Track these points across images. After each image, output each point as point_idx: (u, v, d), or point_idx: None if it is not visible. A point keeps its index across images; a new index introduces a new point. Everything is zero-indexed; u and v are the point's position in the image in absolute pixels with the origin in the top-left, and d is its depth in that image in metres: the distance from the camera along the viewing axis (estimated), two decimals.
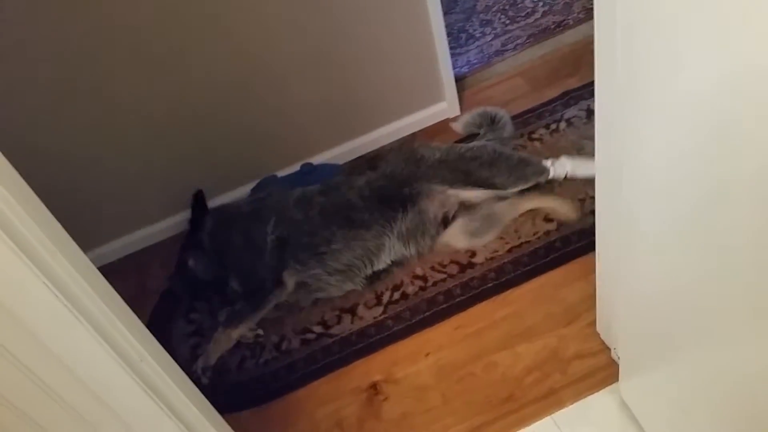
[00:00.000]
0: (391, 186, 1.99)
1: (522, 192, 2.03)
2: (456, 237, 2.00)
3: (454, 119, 2.47)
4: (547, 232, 2.00)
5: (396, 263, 1.98)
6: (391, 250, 1.95)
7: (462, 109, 2.55)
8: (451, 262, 2.00)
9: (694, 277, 1.02)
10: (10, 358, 0.87)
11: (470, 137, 2.36)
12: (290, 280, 1.90)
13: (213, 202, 2.36)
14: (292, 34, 2.12)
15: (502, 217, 2.00)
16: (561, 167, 2.04)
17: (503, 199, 2.01)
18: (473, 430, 1.62)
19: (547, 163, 2.04)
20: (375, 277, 1.97)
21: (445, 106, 2.52)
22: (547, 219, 2.03)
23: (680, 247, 1.03)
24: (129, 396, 1.01)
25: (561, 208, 1.93)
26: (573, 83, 2.49)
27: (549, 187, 2.06)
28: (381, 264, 1.95)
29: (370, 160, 2.35)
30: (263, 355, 1.91)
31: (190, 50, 2.04)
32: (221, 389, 1.85)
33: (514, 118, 2.43)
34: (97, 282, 0.97)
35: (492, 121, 2.29)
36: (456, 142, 2.34)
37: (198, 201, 2.17)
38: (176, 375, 1.15)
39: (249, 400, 1.82)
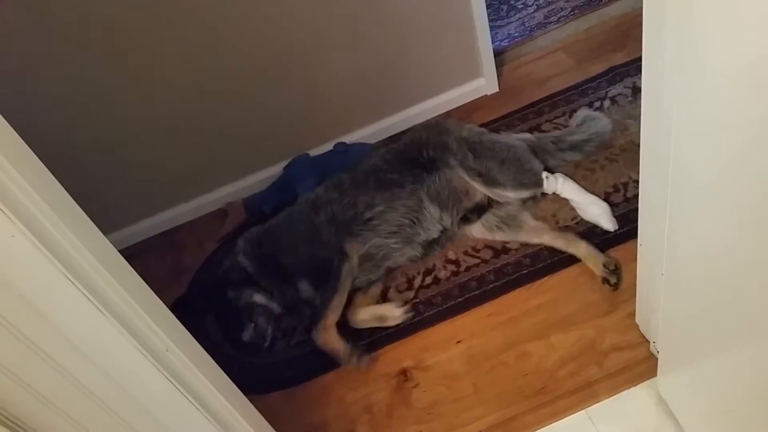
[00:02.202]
0: (411, 150, 1.98)
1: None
2: (472, 228, 1.97)
3: None
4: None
5: (445, 233, 1.95)
6: (429, 211, 1.91)
7: (500, 86, 2.46)
8: (485, 246, 1.95)
9: (741, 269, 0.95)
10: (37, 351, 0.87)
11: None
12: (353, 252, 1.87)
13: (245, 181, 2.35)
14: (325, 10, 2.06)
15: (522, 229, 1.93)
16: (552, 184, 1.95)
17: (532, 212, 1.96)
18: (504, 421, 1.59)
19: (544, 175, 1.95)
20: (430, 246, 1.95)
21: (483, 83, 2.44)
22: None
23: (728, 236, 0.96)
24: (154, 387, 1.01)
25: (588, 257, 1.82)
26: (619, 58, 2.38)
27: (579, 232, 1.90)
28: (432, 229, 1.92)
29: (389, 141, 2.32)
30: (294, 337, 1.91)
31: (222, 26, 2.00)
32: (252, 370, 1.86)
33: (555, 95, 2.34)
34: (121, 272, 0.96)
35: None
36: (491, 125, 2.25)
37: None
38: (204, 364, 1.15)
39: (279, 382, 1.82)
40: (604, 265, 1.75)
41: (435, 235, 1.93)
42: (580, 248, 1.82)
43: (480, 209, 1.94)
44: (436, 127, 2.06)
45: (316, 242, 1.86)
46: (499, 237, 1.95)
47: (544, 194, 1.99)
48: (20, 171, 0.76)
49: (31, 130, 0.94)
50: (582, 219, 1.92)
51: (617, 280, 1.73)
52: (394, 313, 1.83)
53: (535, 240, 1.91)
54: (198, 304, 1.93)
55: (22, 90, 1.92)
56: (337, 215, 1.89)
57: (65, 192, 0.87)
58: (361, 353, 1.77)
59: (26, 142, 0.82)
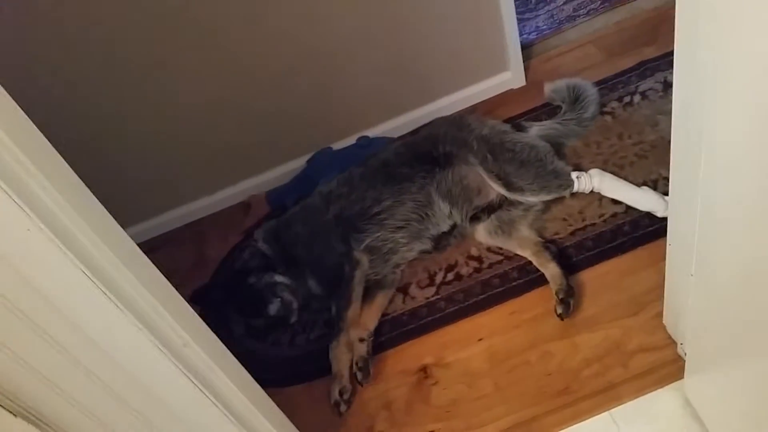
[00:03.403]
0: (427, 144, 1.95)
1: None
2: (478, 229, 1.94)
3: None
4: (615, 215, 1.89)
5: (456, 228, 1.92)
6: (439, 206, 1.88)
7: (527, 80, 2.41)
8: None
9: None
10: (55, 346, 0.87)
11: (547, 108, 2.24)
12: (363, 258, 1.85)
13: (269, 174, 2.36)
14: (348, 4, 2.04)
15: (511, 237, 1.89)
16: (586, 182, 1.90)
17: (533, 217, 1.92)
18: (525, 422, 1.56)
19: (574, 175, 1.90)
20: (441, 240, 1.92)
21: (509, 77, 2.40)
22: (616, 201, 1.90)
23: (763, 238, 0.92)
24: (172, 382, 1.01)
25: (551, 279, 1.76)
26: (650, 53, 2.31)
27: (553, 253, 1.82)
28: (441, 224, 1.90)
29: (411, 134, 2.28)
30: (314, 331, 1.91)
31: (245, 24, 2.00)
32: (272, 363, 1.86)
33: None
34: (139, 266, 0.95)
35: (575, 101, 2.13)
36: (517, 119, 2.21)
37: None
38: (222, 359, 1.15)
39: (299, 375, 1.82)
40: (556, 293, 1.70)
41: (445, 228, 1.90)
42: (549, 269, 1.77)
43: (491, 209, 1.91)
44: (456, 121, 2.02)
45: (326, 241, 1.85)
46: (497, 243, 1.91)
47: (573, 194, 1.93)
48: (37, 165, 0.76)
49: (49, 123, 0.94)
50: (609, 217, 1.88)
51: (563, 312, 1.67)
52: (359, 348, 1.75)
53: (519, 251, 1.87)
54: (218, 296, 1.93)
55: (37, 79, 1.93)
56: (345, 210, 1.88)
57: (83, 185, 0.87)
58: (348, 399, 1.69)
59: (45, 135, 0.82)
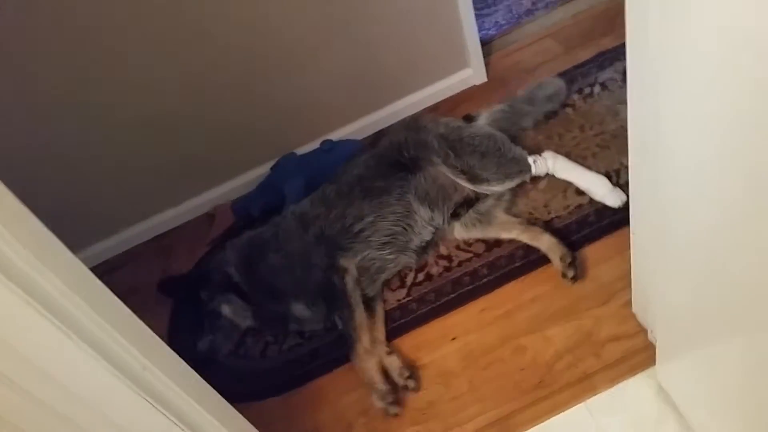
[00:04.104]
0: (392, 152, 1.93)
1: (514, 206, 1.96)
2: (456, 226, 1.94)
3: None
4: (580, 206, 1.90)
5: (437, 233, 1.90)
6: (419, 214, 1.87)
7: (488, 75, 2.42)
8: (477, 240, 1.91)
9: (735, 254, 0.92)
10: (3, 380, 0.83)
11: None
12: (349, 265, 1.80)
13: (233, 183, 2.32)
14: (306, 8, 2.02)
15: (492, 224, 1.90)
16: (542, 165, 1.93)
17: (505, 204, 1.93)
18: (502, 418, 1.56)
19: (530, 159, 1.92)
20: (424, 250, 1.91)
21: (471, 73, 2.40)
22: (580, 192, 1.91)
23: (719, 220, 0.93)
24: (131, 407, 0.97)
25: (550, 249, 1.78)
26: (607, 43, 2.33)
27: (541, 224, 1.87)
28: (423, 233, 1.88)
29: (374, 138, 2.27)
30: (287, 342, 1.88)
31: (204, 26, 1.96)
32: (244, 377, 1.83)
33: None
34: (90, 292, 0.92)
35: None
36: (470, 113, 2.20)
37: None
38: (184, 379, 1.11)
39: (272, 387, 1.79)
40: (561, 259, 1.72)
41: (428, 237, 1.88)
42: (543, 241, 1.79)
43: (469, 203, 1.90)
44: (413, 125, 2.00)
45: (308, 263, 1.80)
46: (476, 235, 1.91)
47: (535, 178, 1.95)
48: None
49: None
50: (574, 208, 1.89)
51: (575, 273, 1.70)
52: (395, 377, 1.68)
53: (504, 235, 1.87)
54: (176, 291, 1.91)
55: None
56: (326, 230, 1.83)
57: (22, 208, 0.83)
58: (393, 399, 1.64)
59: None
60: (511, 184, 1.91)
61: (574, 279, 1.71)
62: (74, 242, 2.39)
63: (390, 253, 1.84)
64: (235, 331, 1.90)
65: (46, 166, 2.04)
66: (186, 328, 1.91)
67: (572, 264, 1.71)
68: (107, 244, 2.30)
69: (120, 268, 2.27)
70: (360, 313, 1.75)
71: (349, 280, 1.77)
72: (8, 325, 0.80)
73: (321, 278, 1.78)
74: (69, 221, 2.11)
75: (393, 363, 1.70)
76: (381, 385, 1.65)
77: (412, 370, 1.69)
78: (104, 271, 2.23)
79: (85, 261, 2.33)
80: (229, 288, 1.86)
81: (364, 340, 1.71)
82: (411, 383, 1.66)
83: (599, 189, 1.86)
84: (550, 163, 1.93)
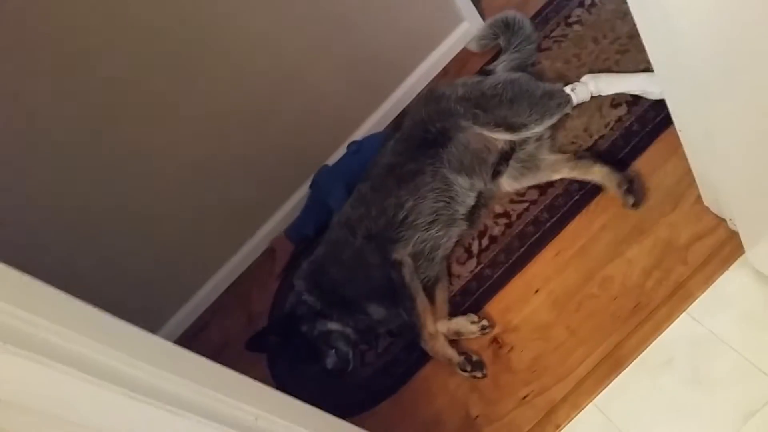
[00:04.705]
0: (417, 132, 1.90)
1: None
2: (503, 182, 1.91)
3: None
4: (619, 119, 1.84)
5: (482, 196, 1.88)
6: (458, 184, 1.84)
7: (486, 20, 2.36)
8: (528, 188, 1.88)
9: None
10: None
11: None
12: (403, 256, 1.80)
13: (281, 212, 2.36)
14: (297, 17, 2.01)
15: (540, 168, 1.86)
16: (583, 90, 1.85)
17: (548, 143, 1.88)
18: (610, 353, 1.54)
19: (568, 89, 1.85)
20: (473, 215, 1.89)
21: (468, 26, 2.34)
22: (615, 104, 1.85)
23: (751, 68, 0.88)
24: None
25: (605, 180, 1.74)
26: None
27: (591, 155, 1.82)
28: (467, 200, 1.86)
29: (397, 121, 2.24)
30: (380, 344, 1.91)
31: (209, 63, 1.93)
32: (352, 390, 1.87)
33: (543, 8, 2.22)
34: (182, 364, 0.96)
35: (507, 27, 2.09)
36: (484, 67, 2.17)
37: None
38: (299, 415, 1.15)
39: (381, 392, 1.82)
40: (618, 186, 1.68)
41: (472, 202, 1.86)
42: (596, 173, 1.75)
43: (506, 157, 1.87)
44: (430, 97, 1.97)
45: (366, 265, 1.82)
46: (526, 183, 1.88)
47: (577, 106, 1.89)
48: (43, 315, 0.76)
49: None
50: (615, 123, 1.83)
51: (634, 200, 1.66)
52: (470, 329, 1.74)
53: (555, 176, 1.83)
54: (274, 342, 1.94)
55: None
56: (372, 229, 1.83)
57: (93, 310, 0.86)
58: (473, 366, 1.69)
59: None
60: (551, 120, 1.84)
61: (636, 206, 1.66)
62: (157, 317, 2.47)
63: (438, 230, 1.83)
64: (349, 338, 1.90)
65: (107, 254, 2.12)
66: (299, 364, 1.95)
67: (630, 189, 1.67)
68: (186, 310, 2.38)
69: (206, 326, 2.36)
70: (421, 301, 1.76)
71: (406, 272, 1.78)
72: (122, 424, 0.85)
73: (380, 276, 1.80)
74: (146, 300, 2.24)
75: (457, 322, 1.74)
76: (456, 357, 1.70)
77: (502, 332, 1.72)
78: (193, 335, 2.32)
79: (171, 332, 2.39)
80: (317, 315, 1.89)
81: (428, 325, 1.73)
82: (485, 323, 1.72)
83: (653, 86, 1.77)
84: (592, 86, 1.86)
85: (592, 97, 1.88)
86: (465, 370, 1.69)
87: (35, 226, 1.91)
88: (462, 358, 1.70)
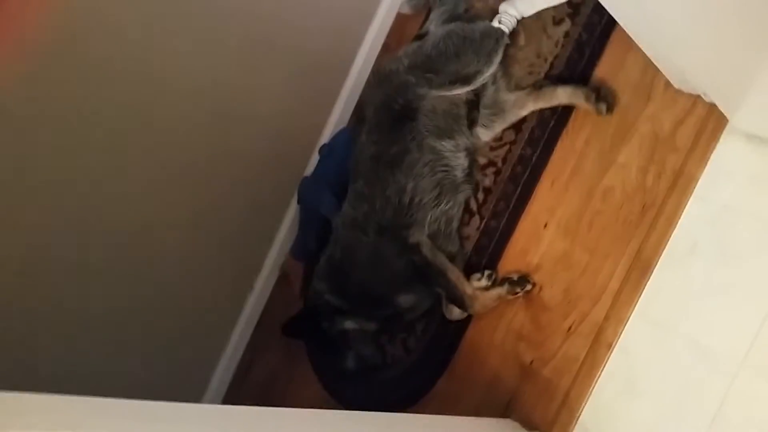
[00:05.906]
0: (383, 115, 1.88)
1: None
2: (479, 133, 1.90)
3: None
4: (567, 33, 1.82)
5: (470, 152, 1.87)
6: (446, 149, 1.83)
7: None
8: (503, 131, 1.88)
9: None
10: None
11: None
12: (420, 238, 1.80)
13: (278, 239, 2.36)
14: (227, 65, 1.98)
15: (506, 110, 1.85)
16: (508, 18, 1.83)
17: (504, 82, 1.88)
18: (634, 259, 1.55)
19: (495, 23, 1.83)
20: (471, 174, 1.88)
21: None
22: (557, 21, 1.84)
23: None
24: None
25: (572, 98, 1.73)
26: None
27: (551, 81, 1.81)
28: (461, 161, 1.85)
29: (357, 112, 2.22)
30: (416, 328, 1.91)
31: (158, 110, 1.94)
32: (407, 381, 1.88)
33: None
34: (237, 421, 0.97)
35: None
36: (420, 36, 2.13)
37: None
38: (359, 423, 1.17)
39: (435, 370, 1.83)
40: (586, 100, 1.68)
41: (466, 162, 1.85)
42: (560, 96, 1.74)
43: (474, 105, 1.86)
44: (380, 78, 1.96)
45: (384, 259, 1.81)
46: (498, 128, 1.87)
47: (513, 36, 1.87)
48: None
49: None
50: (563, 39, 1.81)
51: (608, 104, 1.66)
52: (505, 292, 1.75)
53: (523, 113, 1.83)
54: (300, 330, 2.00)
55: None
56: (382, 222, 1.82)
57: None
58: (517, 280, 1.72)
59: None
60: (498, 57, 1.83)
61: (610, 110, 1.66)
62: (200, 378, 2.47)
63: (447, 202, 1.82)
64: (368, 335, 1.92)
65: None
66: (327, 359, 1.99)
67: (599, 98, 1.67)
68: (225, 360, 2.40)
69: (250, 366, 2.37)
70: (452, 271, 1.76)
71: (427, 251, 1.77)
72: None
73: (403, 265, 1.79)
74: (185, 367, 2.26)
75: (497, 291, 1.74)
76: (502, 290, 1.72)
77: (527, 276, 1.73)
78: (241, 378, 2.34)
79: (219, 384, 2.38)
80: (336, 312, 1.90)
81: (467, 290, 1.74)
82: (514, 276, 1.73)
83: None
84: (512, 11, 1.84)
85: (518, 21, 1.86)
86: (516, 292, 1.71)
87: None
88: (506, 286, 1.72)
